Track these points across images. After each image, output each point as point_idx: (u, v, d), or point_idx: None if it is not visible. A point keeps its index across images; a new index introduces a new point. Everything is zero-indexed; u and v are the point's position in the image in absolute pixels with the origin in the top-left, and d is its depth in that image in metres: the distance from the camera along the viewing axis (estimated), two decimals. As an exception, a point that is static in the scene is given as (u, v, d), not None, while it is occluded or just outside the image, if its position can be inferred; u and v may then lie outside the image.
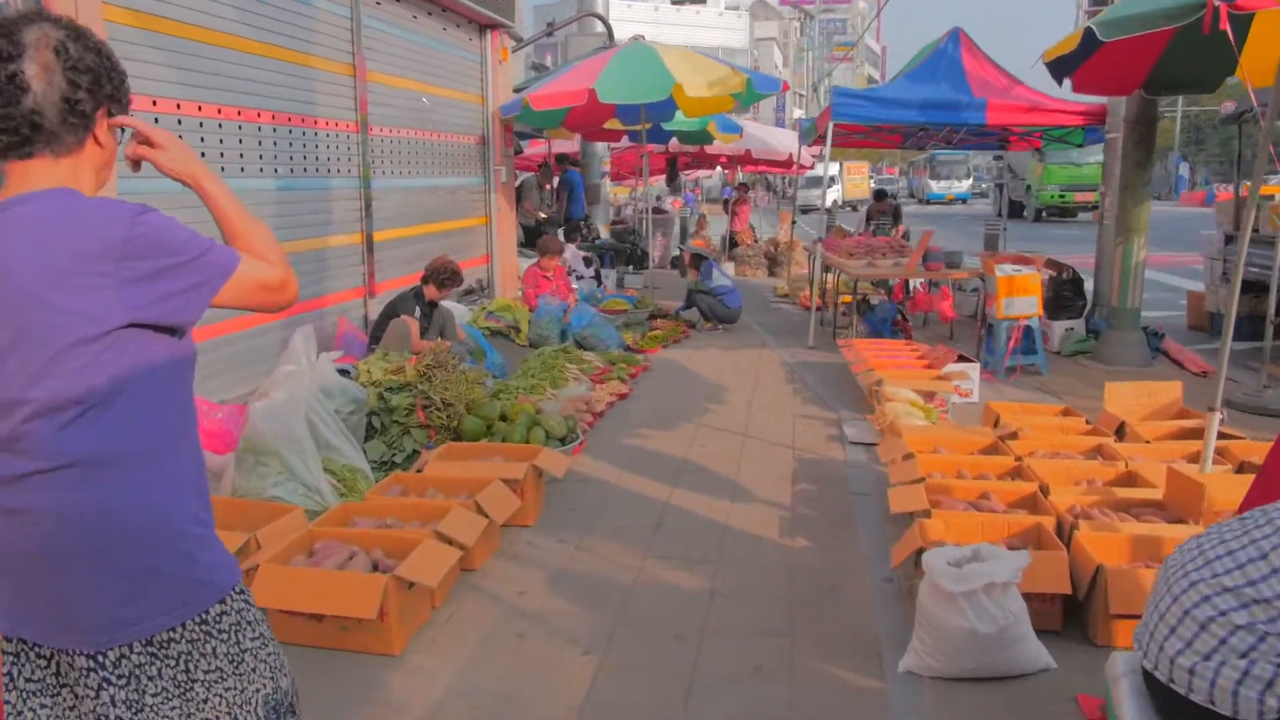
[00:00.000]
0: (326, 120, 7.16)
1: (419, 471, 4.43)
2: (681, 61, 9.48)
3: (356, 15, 7.50)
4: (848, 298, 10.43)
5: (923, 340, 9.29)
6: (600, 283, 12.57)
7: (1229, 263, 9.92)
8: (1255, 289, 9.95)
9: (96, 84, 1.57)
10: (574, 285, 10.49)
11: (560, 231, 13.34)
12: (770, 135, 17.71)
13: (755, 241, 17.81)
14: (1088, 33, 6.04)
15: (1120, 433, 5.20)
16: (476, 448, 4.73)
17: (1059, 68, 7.09)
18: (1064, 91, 12.96)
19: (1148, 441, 4.95)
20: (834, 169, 47.85)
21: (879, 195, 14.57)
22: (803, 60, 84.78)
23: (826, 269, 10.15)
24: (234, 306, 1.65)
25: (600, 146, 16.99)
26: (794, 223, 14.47)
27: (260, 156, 6.31)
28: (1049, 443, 4.90)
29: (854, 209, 47.62)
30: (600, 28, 15.23)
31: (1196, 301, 11.00)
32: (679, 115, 12.06)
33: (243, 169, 6.10)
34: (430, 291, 6.91)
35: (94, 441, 1.49)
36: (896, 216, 14.15)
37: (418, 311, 6.83)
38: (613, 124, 12.22)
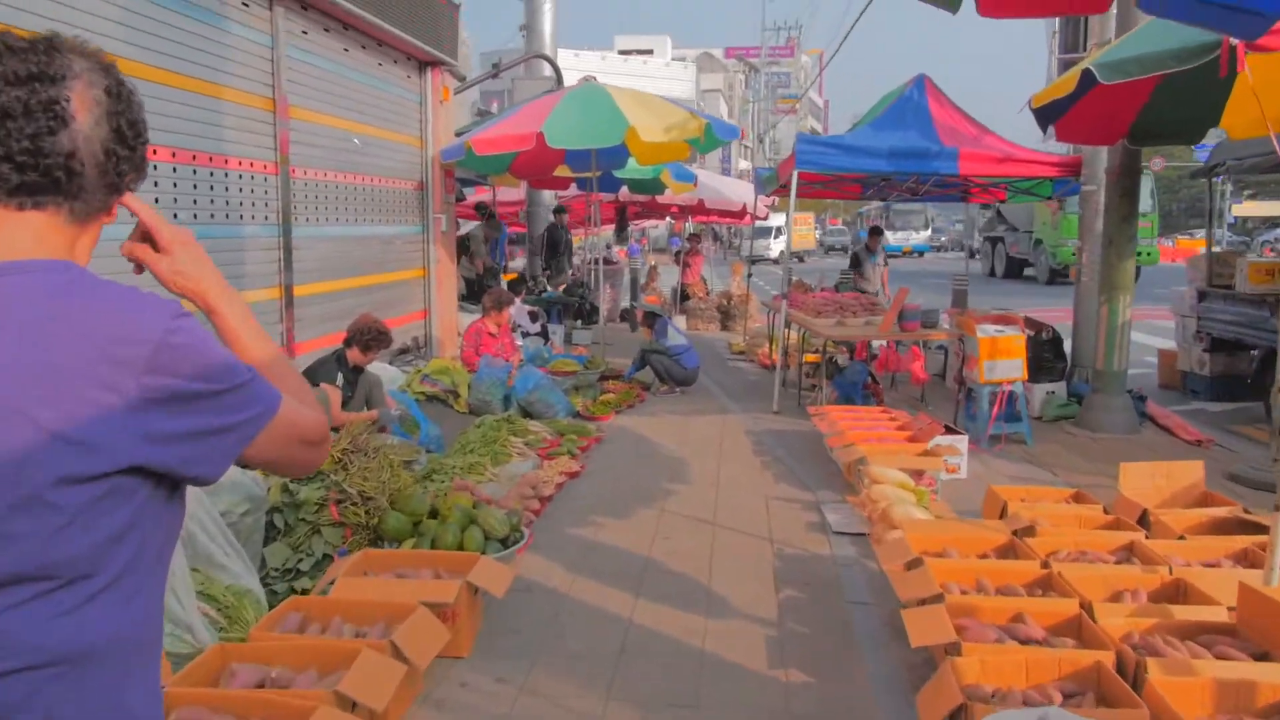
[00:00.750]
0: (240, 160, 6.34)
1: (324, 593, 3.58)
2: (636, 104, 8.86)
3: (278, 45, 6.73)
4: (811, 356, 9.81)
5: (892, 403, 8.68)
6: (547, 339, 11.82)
7: (1203, 320, 9.53)
8: (1229, 347, 9.57)
9: (140, 142, 1.30)
10: (520, 343, 9.71)
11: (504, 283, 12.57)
12: (724, 185, 17.23)
13: (708, 294, 17.22)
14: (1085, 76, 5.51)
15: (1143, 522, 4.55)
16: (399, 556, 3.90)
17: (1046, 114, 6.59)
18: (1030, 140, 12.73)
19: (1181, 536, 4.30)
20: (780, 219, 48.33)
21: (875, 231, 13.91)
22: (747, 112, 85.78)
23: (787, 325, 9.53)
24: (259, 465, 1.29)
25: (547, 194, 16.35)
26: (749, 275, 13.88)
27: (157, 200, 5.47)
28: (1071, 540, 4.22)
29: (800, 260, 47.90)
30: (548, 70, 14.64)
31: (1168, 360, 10.59)
32: (632, 162, 11.45)
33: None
34: (354, 355, 6.09)
35: (56, 636, 1.09)
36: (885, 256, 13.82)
37: (339, 378, 5.99)
38: (562, 171, 11.55)
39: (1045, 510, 4.65)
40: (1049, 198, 10.67)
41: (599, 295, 16.47)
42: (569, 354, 10.05)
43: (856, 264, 13.18)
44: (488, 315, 8.76)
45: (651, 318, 9.63)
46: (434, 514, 4.37)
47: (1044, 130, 6.97)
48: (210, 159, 5.97)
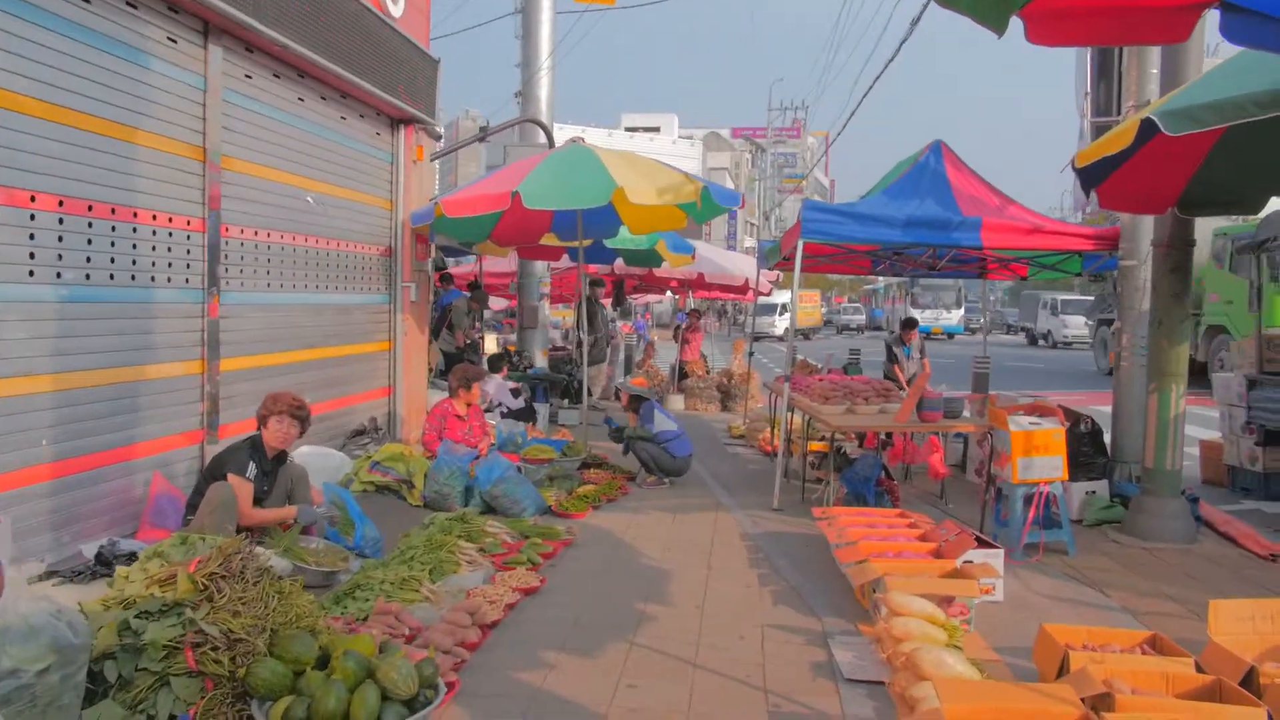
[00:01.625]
0: (155, 213, 5.47)
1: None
2: (625, 165, 8.05)
3: (213, 88, 5.92)
4: (818, 445, 8.81)
5: (907, 499, 7.65)
6: (534, 418, 10.84)
7: (1254, 410, 8.53)
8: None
9: None
10: (492, 424, 8.74)
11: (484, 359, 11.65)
12: (725, 258, 16.45)
13: (707, 373, 16.28)
14: (1145, 126, 4.63)
15: (1250, 684, 3.50)
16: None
17: (1090, 176, 5.72)
18: (1045, 210, 11.85)
19: (1306, 709, 3.25)
20: (785, 296, 47.63)
21: (909, 324, 12.43)
22: (754, 190, 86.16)
23: (790, 409, 8.56)
24: None
25: (539, 266, 15.54)
26: (750, 353, 12.97)
27: (33, 254, 4.58)
28: (1161, 714, 3.18)
29: (805, 337, 47.07)
30: (543, 138, 13.96)
31: (1212, 453, 9.56)
32: (624, 231, 10.63)
33: (-8, 272, 4.36)
34: (269, 438, 5.12)
35: None
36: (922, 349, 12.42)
37: (252, 468, 5.01)
38: (549, 239, 10.73)
39: (1119, 665, 3.60)
40: (1078, 274, 9.79)
41: (587, 372, 15.68)
42: (548, 439, 9.05)
43: (891, 355, 12.10)
44: (455, 395, 7.81)
45: (636, 401, 8.67)
46: (323, 661, 3.34)
47: (1086, 194, 6.10)
48: (112, 210, 5.10)
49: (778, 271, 17.88)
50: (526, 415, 10.85)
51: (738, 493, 8.22)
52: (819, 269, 12.07)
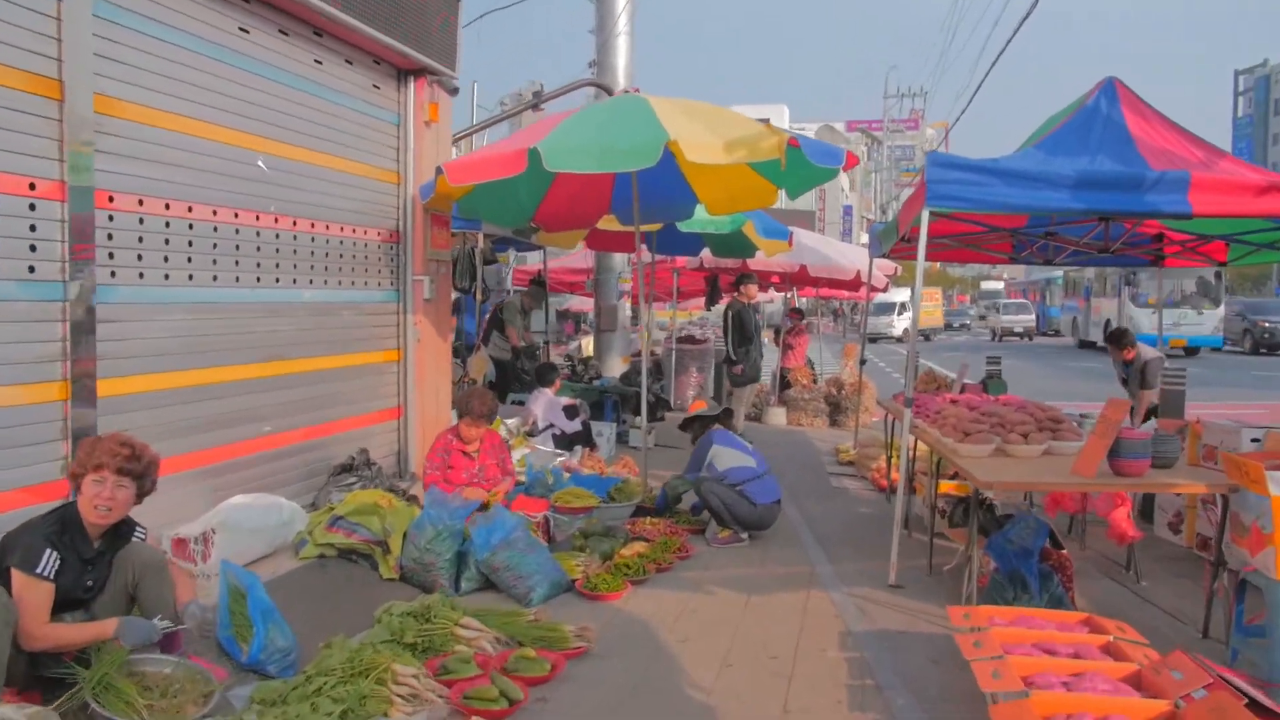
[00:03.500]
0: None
1: None
2: (682, 114, 6.02)
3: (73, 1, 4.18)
4: (950, 485, 6.58)
5: (1080, 571, 5.38)
6: (590, 443, 8.91)
7: None
8: None
9: None
10: (523, 459, 6.85)
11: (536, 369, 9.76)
12: (832, 248, 14.20)
13: (814, 382, 14.07)
14: None
15: None
16: None
17: None
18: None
19: None
20: (904, 294, 44.30)
21: (1117, 336, 8.81)
22: (870, 183, 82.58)
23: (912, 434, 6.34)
24: None
25: (618, 259, 13.63)
26: (863, 361, 10.72)
27: None
28: None
29: (926, 339, 43.65)
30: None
31: None
32: (701, 212, 8.60)
33: None
34: (86, 508, 3.32)
35: None
36: (1144, 376, 8.43)
37: (50, 559, 3.20)
38: (608, 222, 8.78)
39: None
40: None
41: (670, 384, 13.64)
42: (593, 477, 7.06)
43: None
44: (461, 424, 5.93)
45: (701, 424, 6.63)
46: None
47: None
48: None
49: (895, 264, 15.57)
50: (585, 439, 8.93)
51: (841, 555, 6.08)
52: (940, 255, 9.72)
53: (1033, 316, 41.06)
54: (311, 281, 6.05)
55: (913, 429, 5.78)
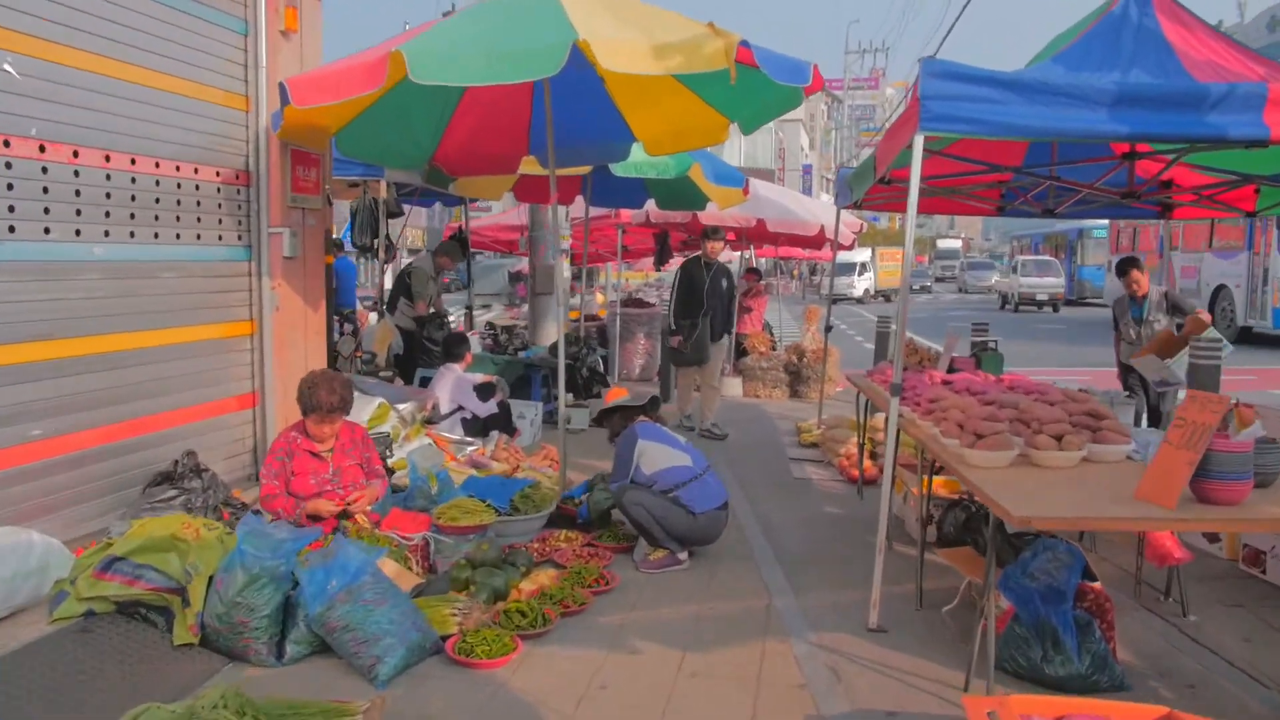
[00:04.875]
0: None
1: None
2: (604, 9, 4.57)
3: None
4: (945, 483, 5.32)
5: (1121, 610, 4.13)
6: (510, 427, 7.54)
7: None
8: None
9: None
10: (399, 461, 5.47)
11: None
12: (793, 200, 12.82)
13: (773, 349, 12.76)
14: None
15: None
16: None
17: None
18: None
19: None
20: (865, 255, 43.01)
21: (1128, 265, 7.48)
22: (830, 142, 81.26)
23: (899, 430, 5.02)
24: None
25: (558, 213, 12.16)
26: (827, 327, 9.41)
27: None
28: None
29: (887, 299, 42.46)
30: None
31: None
32: (639, 152, 7.19)
33: None
34: None
35: None
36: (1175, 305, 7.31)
37: None
38: (528, 165, 7.32)
39: None
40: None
41: (614, 354, 12.27)
42: (493, 479, 5.65)
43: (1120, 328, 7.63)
44: (307, 419, 4.51)
45: (621, 417, 5.28)
46: None
47: None
48: None
49: (860, 219, 14.25)
50: (503, 423, 7.54)
51: (806, 579, 4.78)
52: (896, 207, 8.32)
53: (1060, 280, 31.82)
54: (114, 234, 4.57)
55: (903, 423, 4.46)
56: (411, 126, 6.32)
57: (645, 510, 4.72)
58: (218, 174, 5.26)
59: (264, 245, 5.56)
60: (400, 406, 6.39)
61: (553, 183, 5.52)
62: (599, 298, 18.90)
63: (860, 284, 40.64)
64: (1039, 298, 30.66)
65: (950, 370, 5.90)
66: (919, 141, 4.22)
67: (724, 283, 8.66)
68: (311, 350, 5.98)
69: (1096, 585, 4.03)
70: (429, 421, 6.61)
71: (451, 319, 12.69)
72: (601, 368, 12.44)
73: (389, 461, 5.70)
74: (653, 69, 4.21)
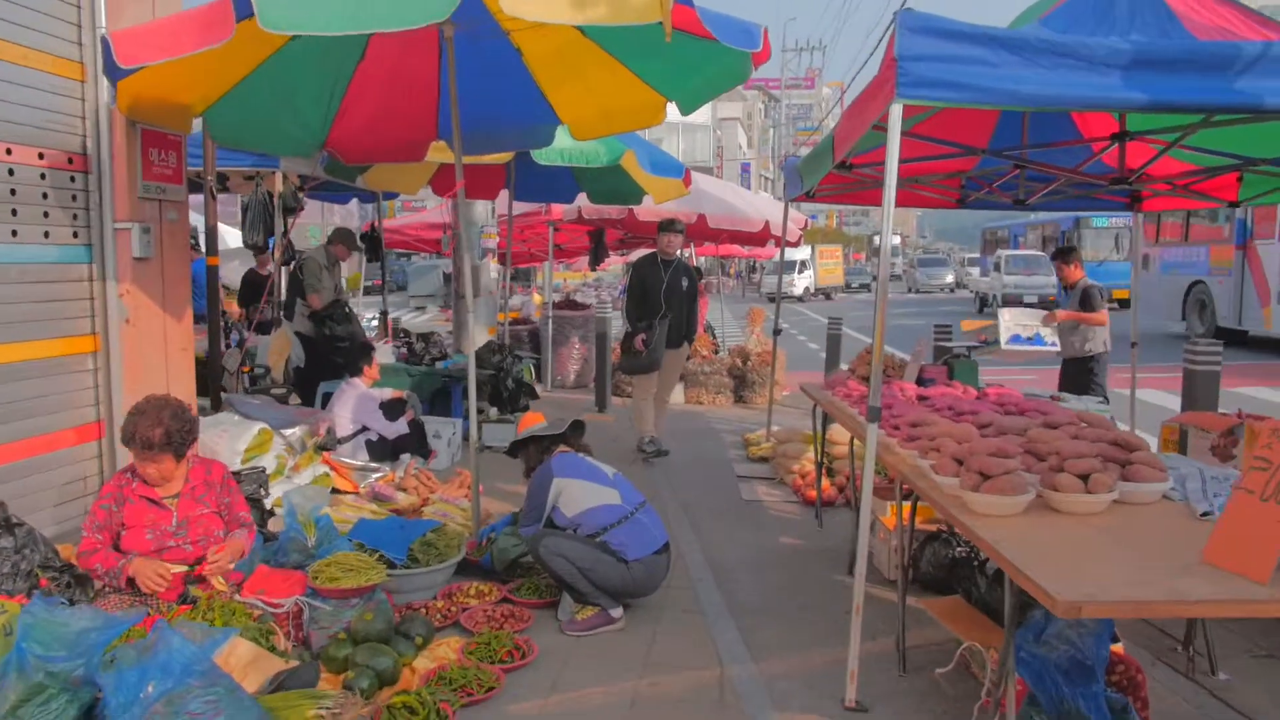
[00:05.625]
0: None
1: None
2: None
3: None
4: (928, 514, 4.57)
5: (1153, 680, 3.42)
6: (423, 449, 6.68)
7: None
8: None
9: None
10: (274, 501, 4.56)
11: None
12: (736, 195, 12.08)
13: (716, 353, 12.02)
14: None
15: None
16: None
17: None
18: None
19: None
20: (804, 253, 42.46)
21: (1065, 253, 7.63)
22: (767, 141, 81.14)
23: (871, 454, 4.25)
24: None
25: (480, 209, 11.27)
26: (777, 331, 8.67)
27: None
28: None
29: (828, 297, 42.04)
30: None
31: None
32: (563, 137, 6.37)
33: None
34: None
35: None
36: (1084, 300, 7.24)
37: None
38: (437, 152, 6.44)
39: None
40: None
41: (546, 360, 11.43)
42: (389, 521, 4.75)
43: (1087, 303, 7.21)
44: (137, 453, 3.58)
45: (536, 449, 4.44)
46: None
47: None
48: None
49: (805, 216, 13.60)
50: (415, 445, 6.65)
51: (765, 638, 3.99)
52: (852, 198, 7.56)
53: (1052, 279, 23.39)
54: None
55: (882, 454, 3.68)
56: (296, 106, 5.42)
57: (567, 561, 3.89)
58: (41, 156, 4.30)
59: (108, 245, 4.60)
60: (287, 432, 5.46)
61: (459, 168, 4.65)
62: (536, 299, 18.01)
63: (800, 282, 40.20)
64: (1027, 300, 24.31)
65: (920, 382, 5.18)
66: (896, 112, 3.47)
67: (684, 281, 7.64)
68: (175, 370, 5.02)
69: (1119, 648, 3.32)
70: (322, 448, 5.69)
71: (371, 322, 11.70)
72: (534, 374, 11.60)
73: (268, 502, 4.78)
74: (568, 17, 3.38)
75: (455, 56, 4.82)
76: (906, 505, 4.16)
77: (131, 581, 3.48)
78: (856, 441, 5.82)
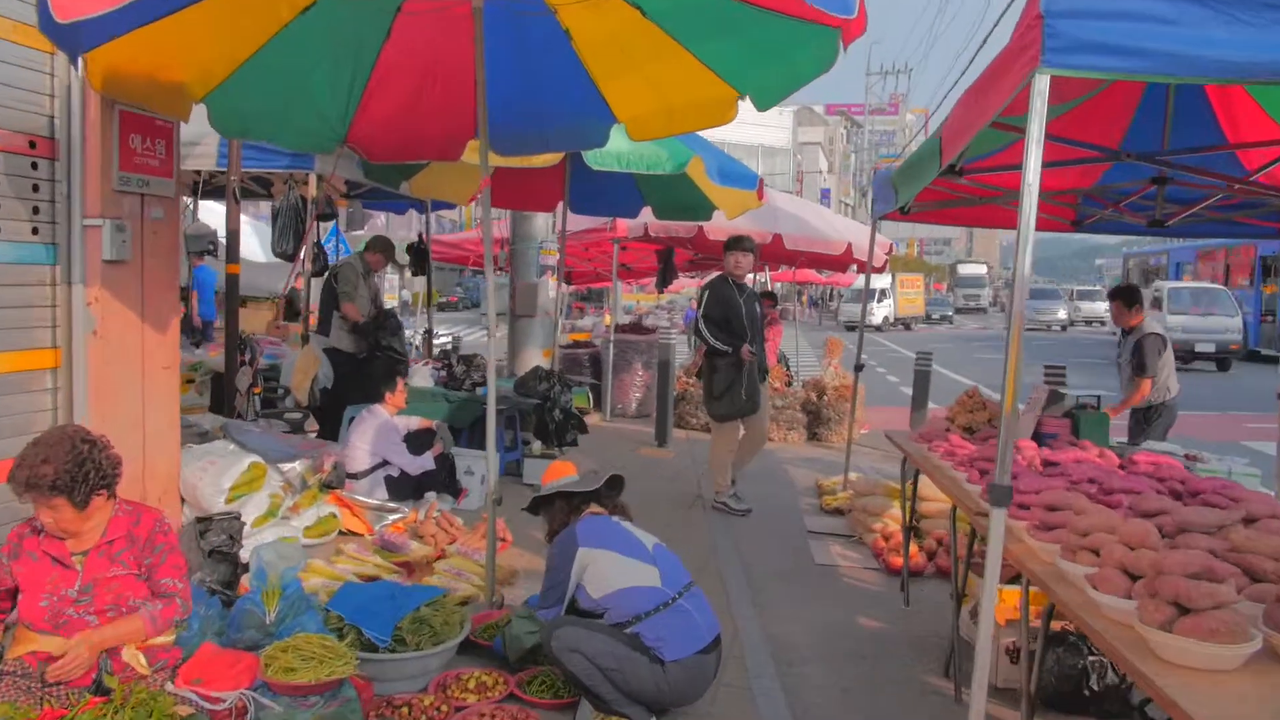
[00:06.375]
0: None
1: None
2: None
3: None
4: (1034, 598, 3.59)
5: None
6: (454, 487, 5.92)
7: None
8: None
9: None
10: (248, 557, 3.79)
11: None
12: (816, 214, 11.15)
13: (789, 385, 11.08)
14: None
15: None
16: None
17: None
18: None
19: None
20: (885, 280, 40.86)
21: (1125, 293, 6.62)
22: (849, 167, 79.71)
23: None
24: None
25: (539, 222, 10.58)
26: (859, 366, 7.73)
27: None
28: None
29: (907, 328, 40.34)
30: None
31: None
32: (617, 139, 5.57)
33: None
34: None
35: None
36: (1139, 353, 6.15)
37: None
38: (470, 154, 5.68)
39: None
40: None
41: (606, 386, 10.63)
42: (382, 585, 3.93)
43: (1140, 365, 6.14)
44: (35, 499, 2.83)
45: (562, 508, 3.60)
46: None
47: None
48: None
49: (889, 240, 12.59)
50: (442, 482, 5.89)
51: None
52: (943, 217, 6.59)
53: (1237, 319, 20.83)
54: None
55: (1008, 547, 2.76)
56: (311, 93, 4.72)
57: (586, 660, 3.03)
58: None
59: (75, 244, 3.93)
60: (286, 467, 4.73)
61: (484, 162, 3.88)
62: (607, 319, 17.26)
63: (880, 311, 38.79)
64: (1201, 348, 20.07)
65: (1039, 438, 4.21)
66: (1041, 86, 2.57)
67: (757, 308, 6.77)
68: (154, 391, 4.32)
69: None
70: (328, 486, 4.95)
71: (413, 338, 11.06)
72: (592, 400, 10.80)
73: (244, 553, 4.03)
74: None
75: (494, 38, 4.07)
76: (1018, 591, 3.24)
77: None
78: (953, 502, 4.87)
